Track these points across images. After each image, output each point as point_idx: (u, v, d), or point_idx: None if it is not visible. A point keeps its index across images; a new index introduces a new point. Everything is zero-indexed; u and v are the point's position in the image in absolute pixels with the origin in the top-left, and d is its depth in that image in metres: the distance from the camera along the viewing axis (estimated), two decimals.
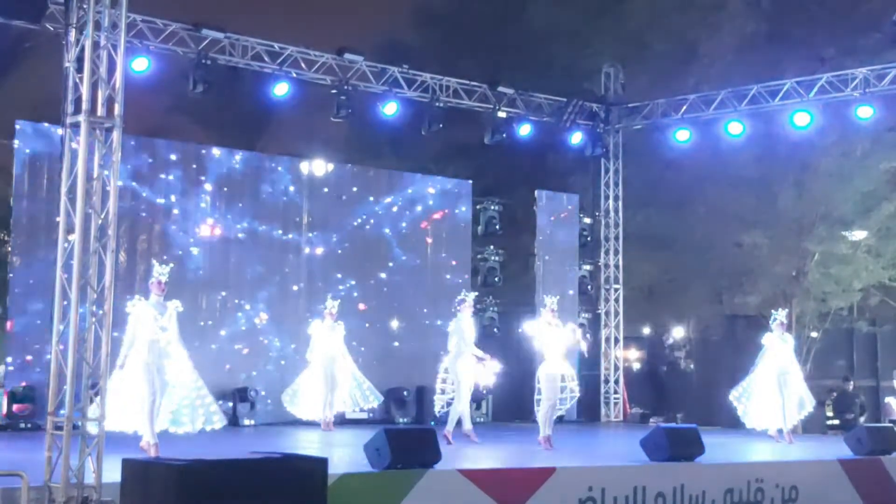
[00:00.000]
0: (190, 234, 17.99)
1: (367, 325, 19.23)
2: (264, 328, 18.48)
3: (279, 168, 19.15)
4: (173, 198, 17.87)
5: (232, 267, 18.35)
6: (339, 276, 19.36)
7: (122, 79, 9.84)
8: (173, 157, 18.04)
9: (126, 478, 8.54)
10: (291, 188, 19.15)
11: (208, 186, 18.22)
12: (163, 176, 17.78)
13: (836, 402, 21.06)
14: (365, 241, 19.83)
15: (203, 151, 18.72)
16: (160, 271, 12.32)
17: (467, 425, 14.71)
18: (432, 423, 18.29)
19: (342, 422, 17.24)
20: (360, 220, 19.82)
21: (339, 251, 19.50)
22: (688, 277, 24.65)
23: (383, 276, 19.90)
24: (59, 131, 10.05)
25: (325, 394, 16.56)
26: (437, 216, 20.72)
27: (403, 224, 20.30)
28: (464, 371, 14.66)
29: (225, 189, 18.41)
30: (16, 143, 16.40)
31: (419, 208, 20.53)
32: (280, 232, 18.91)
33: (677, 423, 19.61)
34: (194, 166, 18.20)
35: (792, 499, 12.86)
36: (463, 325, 14.85)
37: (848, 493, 13.42)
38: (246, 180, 18.71)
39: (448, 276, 20.67)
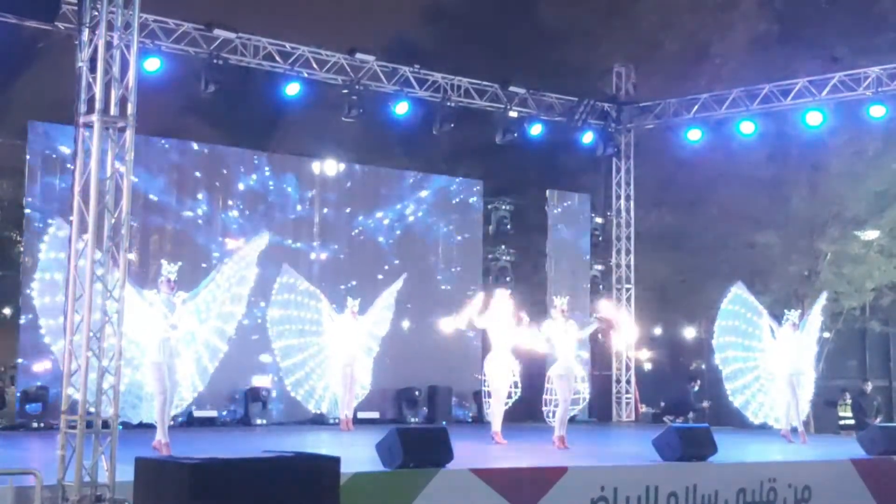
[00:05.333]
0: (201, 234, 18.03)
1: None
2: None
3: (291, 167, 19.18)
4: (185, 198, 17.92)
5: None
6: (352, 275, 19.37)
7: (135, 78, 9.86)
8: (184, 156, 18.09)
9: (139, 476, 8.55)
10: (302, 187, 19.18)
11: (219, 186, 18.27)
12: (175, 176, 17.83)
13: (855, 404, 21.02)
14: (376, 240, 19.85)
15: (214, 151, 18.77)
16: (169, 269, 12.37)
17: (496, 426, 14.69)
18: (444, 422, 18.33)
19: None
20: (370, 220, 19.84)
21: (351, 250, 19.53)
22: (700, 277, 24.57)
23: (394, 275, 19.88)
24: (73, 131, 10.05)
25: (344, 393, 16.58)
26: (448, 216, 20.71)
27: (414, 224, 20.31)
28: (496, 371, 14.63)
29: (236, 189, 18.45)
30: (29, 142, 16.47)
31: (430, 208, 20.53)
32: (291, 230, 18.94)
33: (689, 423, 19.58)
34: (206, 166, 18.25)
35: (805, 499, 12.82)
36: (496, 325, 14.79)
37: (861, 493, 13.37)
38: (258, 180, 18.74)
39: (459, 277, 20.67)
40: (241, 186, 18.56)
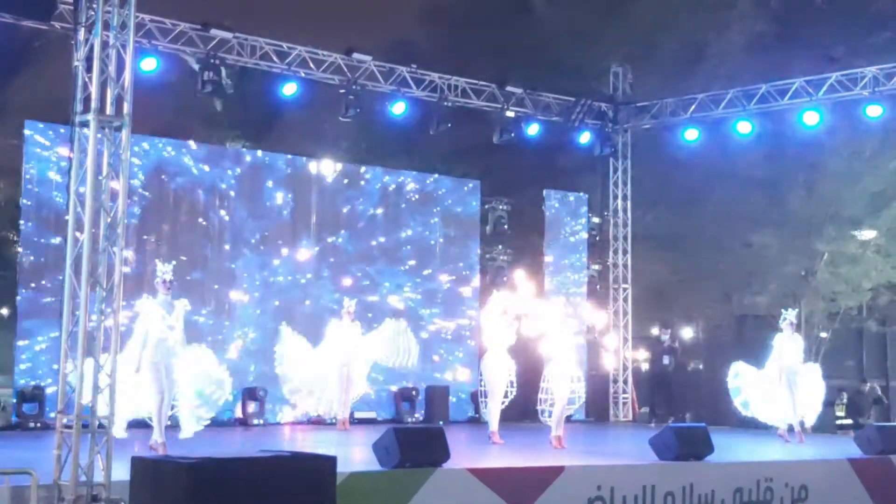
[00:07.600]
0: (199, 235, 18.02)
1: (375, 324, 19.19)
2: (273, 328, 18.47)
3: (287, 167, 19.17)
4: (182, 198, 17.91)
5: (241, 267, 18.36)
6: (348, 275, 19.36)
7: (131, 78, 9.88)
8: (182, 156, 18.07)
9: (135, 476, 8.56)
10: (299, 187, 19.17)
11: (216, 186, 18.26)
12: (171, 175, 17.82)
13: (850, 403, 21.02)
14: (373, 241, 19.83)
15: (210, 151, 18.77)
16: (164, 270, 12.42)
17: (493, 426, 14.70)
18: (440, 422, 18.32)
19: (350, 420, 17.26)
20: (367, 220, 19.82)
21: (347, 251, 19.51)
22: (697, 277, 24.59)
23: (392, 276, 19.90)
24: (69, 130, 10.07)
25: (340, 394, 16.60)
26: (444, 216, 20.70)
27: (412, 224, 20.30)
28: (493, 371, 14.65)
29: (233, 189, 18.44)
30: (25, 142, 16.46)
31: (427, 208, 20.51)
32: (288, 230, 18.92)
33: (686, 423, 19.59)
34: (204, 166, 18.23)
35: (801, 498, 12.84)
36: (493, 325, 14.81)
37: (858, 493, 13.40)
38: (255, 180, 18.74)
39: (456, 277, 20.67)
40: (238, 186, 18.52)
